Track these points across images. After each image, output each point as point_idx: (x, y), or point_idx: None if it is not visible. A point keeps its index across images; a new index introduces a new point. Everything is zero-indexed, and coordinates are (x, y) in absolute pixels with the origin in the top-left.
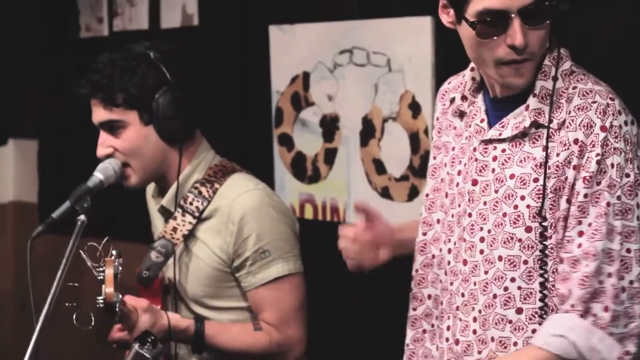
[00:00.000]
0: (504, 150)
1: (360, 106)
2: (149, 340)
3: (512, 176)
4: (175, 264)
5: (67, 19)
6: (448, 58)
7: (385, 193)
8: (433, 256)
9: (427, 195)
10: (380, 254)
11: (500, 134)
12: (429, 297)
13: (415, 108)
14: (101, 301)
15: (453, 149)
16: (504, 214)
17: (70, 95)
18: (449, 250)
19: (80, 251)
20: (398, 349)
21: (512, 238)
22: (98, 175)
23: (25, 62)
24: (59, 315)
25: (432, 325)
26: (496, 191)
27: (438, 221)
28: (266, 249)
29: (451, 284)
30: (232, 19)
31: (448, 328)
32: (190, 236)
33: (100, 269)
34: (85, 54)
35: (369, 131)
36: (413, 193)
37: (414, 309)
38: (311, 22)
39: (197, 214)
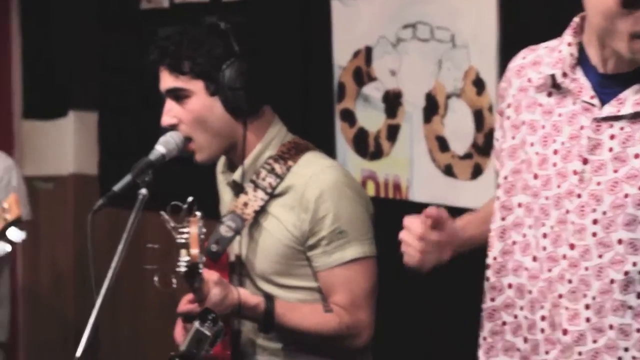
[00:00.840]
0: (622, 128)
1: (424, 82)
2: (210, 317)
3: (636, 155)
4: (245, 239)
5: None
6: (513, 34)
7: (448, 171)
8: (514, 242)
9: (505, 177)
10: (444, 255)
11: (618, 111)
12: (510, 286)
13: (479, 85)
14: (185, 263)
15: (543, 127)
16: (626, 195)
17: (133, 66)
18: (544, 235)
19: (162, 212)
20: (467, 339)
21: (634, 220)
22: (160, 148)
23: (85, 34)
24: (119, 289)
25: (515, 317)
26: (615, 171)
27: (519, 205)
28: (343, 229)
29: (549, 270)
30: None
31: (543, 318)
32: (262, 212)
33: (184, 230)
34: (145, 25)
35: (432, 108)
36: (477, 171)
37: (492, 300)
38: None
39: (269, 190)
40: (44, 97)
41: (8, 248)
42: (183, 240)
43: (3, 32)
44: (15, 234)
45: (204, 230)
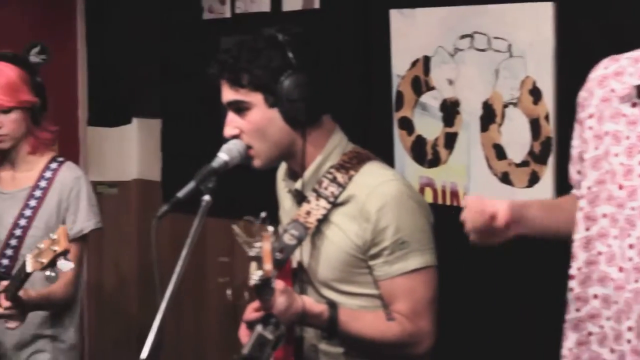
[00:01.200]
0: None
1: (481, 91)
2: (272, 322)
3: None
4: (308, 247)
5: (191, 0)
6: (569, 44)
7: (505, 178)
8: (599, 253)
9: (588, 188)
10: (510, 231)
11: None
12: (595, 296)
13: (536, 94)
14: (257, 277)
15: (627, 137)
16: None
17: (195, 75)
18: (630, 246)
19: (233, 226)
20: (534, 350)
21: None
22: (223, 156)
23: (149, 43)
24: (182, 292)
25: (601, 327)
26: None
27: (604, 215)
28: (405, 240)
29: (635, 281)
30: (353, 2)
31: (629, 329)
32: (324, 220)
33: (256, 244)
34: (207, 35)
35: (489, 116)
36: (533, 179)
37: (577, 310)
38: (432, 6)
39: (332, 199)
40: (109, 105)
41: (54, 277)
42: (254, 254)
43: (69, 42)
44: (64, 265)
45: (275, 244)
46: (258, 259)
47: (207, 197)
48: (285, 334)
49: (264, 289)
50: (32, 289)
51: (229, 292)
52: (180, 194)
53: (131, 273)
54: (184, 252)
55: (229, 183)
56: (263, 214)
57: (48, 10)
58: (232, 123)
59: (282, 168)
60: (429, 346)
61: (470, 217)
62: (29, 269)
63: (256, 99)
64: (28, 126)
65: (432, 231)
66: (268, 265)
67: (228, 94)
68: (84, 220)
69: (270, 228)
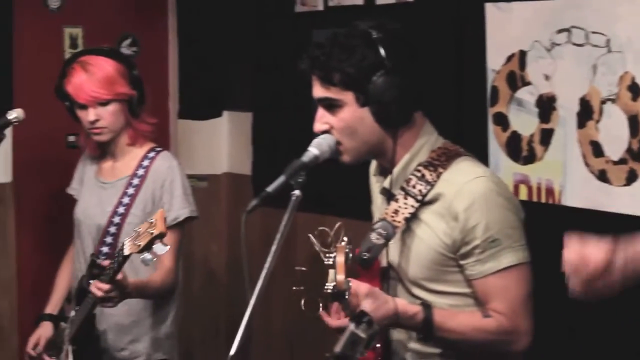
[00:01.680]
0: None
1: (578, 87)
2: (364, 320)
3: None
4: (396, 246)
5: None
6: None
7: (602, 176)
8: None
9: None
10: (615, 282)
11: None
12: None
13: (635, 90)
14: (330, 288)
15: None
16: None
17: (287, 68)
18: None
19: (310, 235)
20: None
21: None
22: (313, 150)
23: (240, 36)
24: (271, 286)
25: None
26: None
27: None
28: (496, 237)
29: None
30: None
31: None
32: (413, 219)
33: (330, 255)
34: (300, 27)
35: (586, 112)
36: (631, 177)
37: None
38: (528, 0)
39: (419, 198)
40: (199, 98)
41: (149, 259)
42: (329, 262)
43: (160, 35)
44: (160, 248)
45: (350, 255)
46: (333, 268)
47: (297, 192)
48: (378, 332)
49: (338, 299)
50: (132, 277)
51: (302, 302)
52: (270, 188)
53: (220, 267)
54: (273, 248)
55: (320, 177)
56: (338, 224)
57: (140, 2)
58: (322, 119)
59: (374, 163)
60: (526, 344)
61: (571, 268)
62: (126, 251)
63: (347, 97)
64: (126, 118)
65: (523, 228)
66: (340, 277)
67: (319, 91)
68: (179, 208)
69: (345, 239)
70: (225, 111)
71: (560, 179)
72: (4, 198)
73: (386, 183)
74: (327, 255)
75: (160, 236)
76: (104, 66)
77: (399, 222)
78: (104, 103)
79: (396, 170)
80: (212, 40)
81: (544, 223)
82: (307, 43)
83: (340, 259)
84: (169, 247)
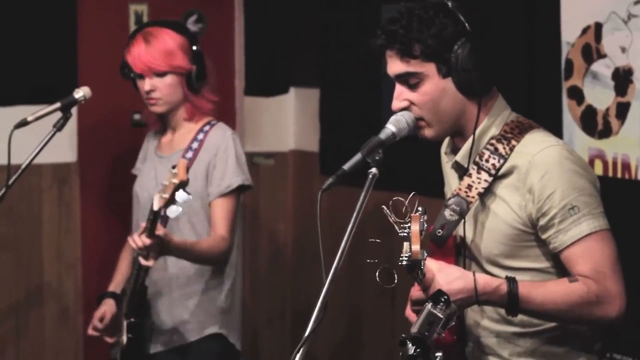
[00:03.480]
0: None
1: None
2: (442, 299)
3: None
4: (470, 222)
5: None
6: None
7: None
8: None
9: None
10: None
11: None
12: None
13: None
14: (406, 258)
15: None
16: None
17: (356, 42)
18: None
19: (383, 206)
20: None
21: None
22: (390, 127)
23: (307, 11)
24: (340, 269)
25: None
26: None
27: None
28: (574, 204)
29: None
30: None
31: None
32: (486, 194)
33: (405, 225)
34: (368, 2)
35: None
36: None
37: None
38: None
39: (493, 172)
40: (266, 74)
41: (178, 212)
42: (405, 234)
43: (226, 10)
44: (181, 196)
45: (425, 225)
46: (408, 239)
47: (374, 170)
48: (457, 311)
49: (413, 270)
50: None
51: (378, 273)
52: (346, 166)
53: (286, 245)
54: (349, 227)
55: (389, 153)
56: (412, 194)
57: None
58: (401, 96)
59: (445, 141)
60: (620, 308)
61: None
62: (155, 206)
63: (429, 69)
64: (184, 93)
65: (599, 195)
66: (416, 247)
67: (397, 66)
68: (232, 175)
69: (420, 209)
70: (292, 87)
71: (637, 154)
72: (69, 178)
73: (459, 157)
74: (402, 226)
75: (182, 185)
76: (165, 38)
77: (473, 197)
78: (161, 74)
79: (468, 143)
80: (279, 15)
81: (621, 199)
82: (376, 18)
83: (416, 228)
84: (190, 196)
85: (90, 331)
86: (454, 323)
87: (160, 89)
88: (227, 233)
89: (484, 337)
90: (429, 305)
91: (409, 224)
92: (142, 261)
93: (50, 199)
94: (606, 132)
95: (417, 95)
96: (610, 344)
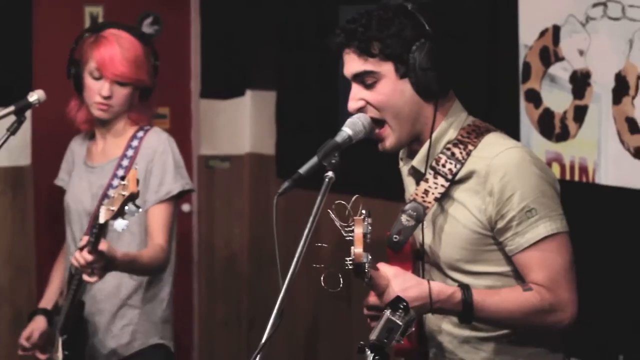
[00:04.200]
0: None
1: (614, 62)
2: (401, 306)
3: None
4: (429, 227)
5: None
6: None
7: (638, 153)
8: None
9: None
10: None
11: None
12: None
13: None
14: (350, 262)
15: None
16: None
17: (313, 44)
18: None
19: (329, 210)
20: None
21: None
22: (347, 130)
23: (264, 13)
24: (299, 274)
25: None
26: None
27: None
28: (532, 207)
29: None
30: None
31: None
32: (444, 198)
33: (349, 229)
34: (326, 4)
35: (622, 88)
36: None
37: None
38: None
39: (450, 177)
40: (222, 77)
41: (123, 225)
42: (351, 237)
43: (183, 13)
44: (132, 209)
45: (369, 228)
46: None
47: (330, 174)
48: (415, 318)
49: (359, 274)
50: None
51: (322, 278)
52: (302, 170)
53: (242, 248)
54: (305, 232)
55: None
56: (355, 197)
57: None
58: (357, 96)
59: (404, 150)
60: (572, 315)
61: None
62: (101, 219)
63: (386, 69)
64: (132, 103)
65: (558, 197)
66: (358, 249)
67: (355, 65)
68: (171, 181)
69: (364, 211)
70: (248, 90)
71: (595, 157)
72: (23, 181)
73: (415, 162)
74: (347, 230)
75: (132, 197)
76: (137, 47)
77: (430, 202)
78: (123, 84)
79: (425, 146)
80: (235, 17)
81: (578, 202)
82: (334, 20)
83: (359, 231)
84: (140, 209)
85: (20, 352)
86: (413, 329)
87: (118, 97)
88: (165, 242)
89: (446, 342)
90: (387, 312)
91: (353, 227)
92: (86, 278)
93: (3, 202)
94: (564, 136)
95: (373, 94)
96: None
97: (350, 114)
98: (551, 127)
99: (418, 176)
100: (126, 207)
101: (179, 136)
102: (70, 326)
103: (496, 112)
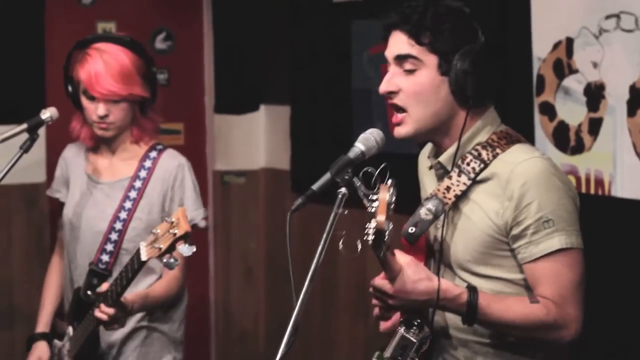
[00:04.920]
0: None
1: (628, 74)
2: (415, 323)
3: None
4: (445, 224)
5: None
6: None
7: None
8: None
9: None
10: None
11: None
12: None
13: None
14: (372, 229)
15: None
16: None
17: (326, 59)
18: None
19: (355, 178)
20: None
21: None
22: (359, 146)
23: (277, 28)
24: (313, 288)
25: None
26: None
27: None
28: (549, 217)
29: None
30: None
31: None
32: (463, 197)
33: (373, 197)
34: (338, 19)
35: (637, 100)
36: None
37: None
38: None
39: (472, 175)
40: (236, 92)
41: (174, 263)
42: (373, 209)
43: (195, 27)
44: (185, 249)
45: (394, 198)
46: (374, 215)
47: (343, 190)
48: (430, 335)
49: (377, 243)
50: (129, 293)
51: (340, 243)
52: (315, 186)
53: (258, 263)
54: (320, 248)
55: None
56: (384, 164)
57: None
58: (393, 79)
59: (428, 147)
60: (576, 333)
61: None
62: (143, 257)
63: (430, 60)
64: (134, 116)
65: (577, 214)
66: (381, 217)
67: (401, 47)
68: (192, 209)
69: (391, 180)
70: (262, 105)
71: (610, 170)
72: (38, 198)
73: (442, 158)
74: (370, 198)
75: (185, 236)
76: (123, 59)
77: (450, 199)
78: (117, 101)
79: (454, 145)
80: (248, 32)
81: (594, 215)
82: (347, 34)
83: (384, 196)
84: (194, 248)
85: None
86: (427, 347)
87: (114, 114)
88: (181, 272)
89: (450, 344)
90: (401, 330)
91: (377, 196)
92: (108, 328)
93: (19, 220)
94: (579, 148)
95: (409, 82)
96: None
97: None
98: (566, 140)
99: (442, 173)
100: (179, 248)
101: (194, 152)
102: (84, 354)
103: (511, 125)
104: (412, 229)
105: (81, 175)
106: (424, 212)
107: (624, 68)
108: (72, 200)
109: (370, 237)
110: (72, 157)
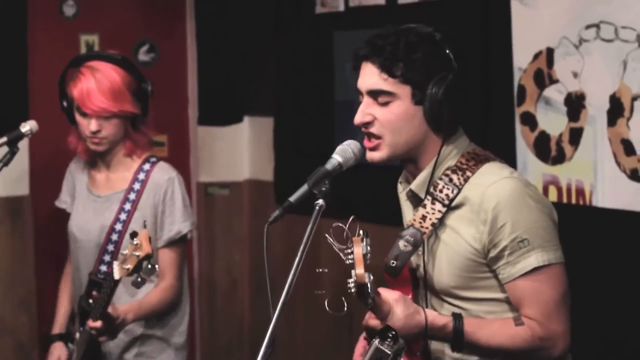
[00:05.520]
0: None
1: (608, 84)
2: (390, 335)
3: None
4: (425, 253)
5: None
6: None
7: (634, 175)
8: None
9: None
10: None
11: None
12: None
13: None
14: (352, 284)
15: None
16: None
17: (309, 70)
18: None
19: (326, 235)
20: None
21: None
22: (337, 157)
23: (261, 39)
24: (293, 296)
25: None
26: None
27: None
28: (524, 237)
29: None
30: None
31: None
32: (440, 225)
33: (348, 251)
34: (320, 29)
35: (617, 110)
36: None
37: None
38: None
39: (446, 202)
40: (220, 103)
41: (141, 283)
42: (351, 261)
43: (179, 40)
44: (148, 270)
45: (368, 248)
46: (353, 267)
47: (320, 202)
48: (405, 347)
49: (362, 295)
50: (120, 304)
51: (326, 302)
52: (293, 198)
53: (243, 274)
54: (297, 259)
55: (343, 182)
56: (351, 218)
57: (157, 7)
58: (368, 109)
59: (403, 174)
60: (564, 348)
61: None
62: (116, 276)
63: (403, 92)
64: (126, 130)
65: (555, 228)
66: (360, 270)
67: (373, 80)
68: (181, 221)
69: (361, 232)
70: (246, 116)
71: (591, 179)
72: (22, 211)
73: (414, 186)
74: (346, 252)
75: (147, 258)
76: (113, 77)
77: (427, 228)
78: (108, 117)
79: (425, 172)
80: (232, 44)
81: (575, 225)
82: (329, 46)
83: (358, 251)
84: (157, 269)
85: None
86: (401, 359)
87: (107, 129)
88: (176, 280)
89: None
90: (376, 342)
91: (352, 250)
92: (100, 339)
93: (2, 232)
94: (560, 158)
95: (384, 112)
96: None
97: (355, 126)
98: (547, 150)
99: (416, 201)
100: (143, 268)
101: (178, 164)
102: (88, 358)
103: (492, 136)
104: (393, 262)
105: (83, 188)
106: (402, 244)
107: (604, 78)
108: (75, 212)
109: (353, 290)
110: (77, 170)
